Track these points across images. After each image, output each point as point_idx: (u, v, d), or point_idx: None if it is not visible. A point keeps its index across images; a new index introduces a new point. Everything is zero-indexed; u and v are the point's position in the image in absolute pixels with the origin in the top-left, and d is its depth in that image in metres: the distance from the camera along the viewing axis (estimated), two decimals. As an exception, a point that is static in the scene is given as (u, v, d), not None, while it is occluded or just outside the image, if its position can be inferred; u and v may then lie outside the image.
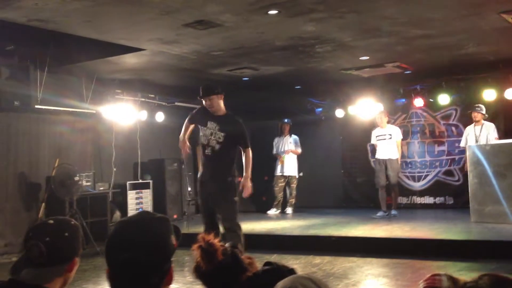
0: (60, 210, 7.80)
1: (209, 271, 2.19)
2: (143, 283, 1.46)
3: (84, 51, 7.50)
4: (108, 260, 1.50)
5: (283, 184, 11.04)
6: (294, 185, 11.05)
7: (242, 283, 2.11)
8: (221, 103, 5.75)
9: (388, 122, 10.03)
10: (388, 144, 9.63)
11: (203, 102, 5.74)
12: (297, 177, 11.08)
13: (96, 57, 7.93)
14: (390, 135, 9.68)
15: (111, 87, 9.73)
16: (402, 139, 10.09)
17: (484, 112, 8.91)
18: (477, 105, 9.04)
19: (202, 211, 5.82)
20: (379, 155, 9.70)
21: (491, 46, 8.10)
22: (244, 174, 5.68)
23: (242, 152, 5.75)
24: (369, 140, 10.29)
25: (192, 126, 5.91)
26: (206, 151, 5.66)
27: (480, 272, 1.24)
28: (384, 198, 9.65)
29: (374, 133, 9.91)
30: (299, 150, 11.04)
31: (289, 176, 11.00)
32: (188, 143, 5.82)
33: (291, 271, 2.11)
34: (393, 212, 9.58)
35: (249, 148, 5.73)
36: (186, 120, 5.93)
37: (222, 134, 5.60)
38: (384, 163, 9.57)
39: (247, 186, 5.61)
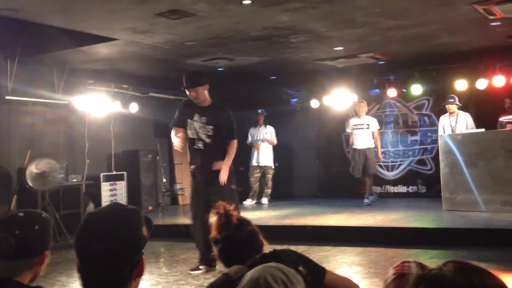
0: (32, 202, 7.67)
1: (224, 240, 2.22)
2: (113, 274, 1.45)
3: (56, 40, 7.36)
4: (78, 252, 1.48)
5: (259, 174, 11.05)
6: (270, 176, 11.07)
7: (254, 261, 2.14)
8: (206, 93, 5.52)
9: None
10: (366, 134, 9.76)
11: (187, 93, 5.48)
12: (272, 167, 11.09)
13: (67, 47, 7.79)
14: (368, 125, 9.81)
15: (83, 78, 9.58)
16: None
17: (457, 102, 8.99)
18: (449, 95, 9.07)
19: (193, 204, 5.60)
20: (358, 145, 9.76)
21: (463, 36, 8.20)
22: (225, 159, 5.45)
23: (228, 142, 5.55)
24: (344, 130, 10.36)
25: (182, 132, 5.53)
26: (197, 144, 5.47)
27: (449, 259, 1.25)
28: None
29: (351, 122, 9.95)
30: (275, 141, 11.05)
31: (264, 166, 11.00)
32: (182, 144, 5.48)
33: (297, 253, 2.17)
34: (366, 200, 9.66)
35: (235, 140, 5.57)
36: (172, 128, 5.59)
37: (211, 127, 5.43)
38: (364, 153, 9.68)
39: (224, 170, 5.36)
